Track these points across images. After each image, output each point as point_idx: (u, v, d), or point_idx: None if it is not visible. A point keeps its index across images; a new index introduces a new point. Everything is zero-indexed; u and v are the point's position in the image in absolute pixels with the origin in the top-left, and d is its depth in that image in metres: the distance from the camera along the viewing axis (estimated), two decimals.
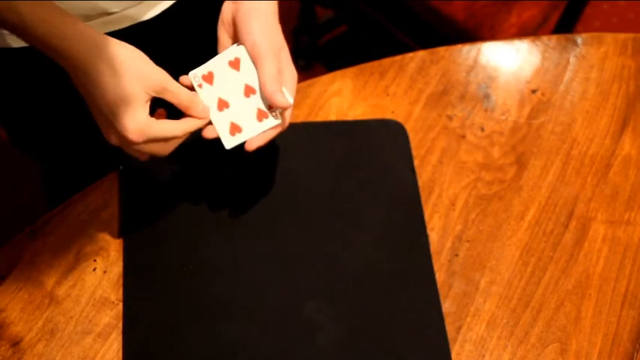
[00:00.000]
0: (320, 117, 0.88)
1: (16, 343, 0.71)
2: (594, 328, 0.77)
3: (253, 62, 0.71)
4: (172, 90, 0.67)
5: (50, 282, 0.74)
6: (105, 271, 0.75)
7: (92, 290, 0.74)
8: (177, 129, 0.68)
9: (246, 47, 0.70)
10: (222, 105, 0.72)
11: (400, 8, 1.51)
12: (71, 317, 0.73)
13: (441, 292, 0.77)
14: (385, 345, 0.73)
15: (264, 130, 0.72)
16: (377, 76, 0.92)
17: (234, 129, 0.72)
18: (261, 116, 0.72)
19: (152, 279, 0.74)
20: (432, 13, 1.41)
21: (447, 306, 0.76)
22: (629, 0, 1.98)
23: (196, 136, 0.81)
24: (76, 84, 0.66)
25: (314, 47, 1.84)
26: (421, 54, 0.95)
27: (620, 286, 0.80)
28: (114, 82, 0.63)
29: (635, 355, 0.76)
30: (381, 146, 0.86)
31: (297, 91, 0.89)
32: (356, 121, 0.88)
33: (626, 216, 0.84)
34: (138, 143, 0.66)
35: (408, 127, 0.88)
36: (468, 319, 0.76)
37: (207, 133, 0.73)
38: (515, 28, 1.37)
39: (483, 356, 0.74)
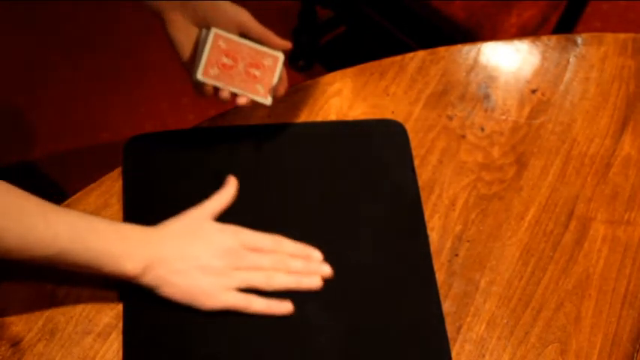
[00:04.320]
0: (320, 117, 0.88)
1: (16, 343, 0.71)
2: (594, 328, 0.77)
3: (236, 27, 0.77)
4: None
5: (50, 282, 0.74)
6: None
7: (92, 290, 0.74)
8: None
9: (222, 23, 0.76)
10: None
11: (400, 8, 1.51)
12: (71, 317, 0.72)
13: (441, 292, 0.77)
14: (385, 345, 0.73)
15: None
16: (377, 76, 0.92)
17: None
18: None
19: None
20: (432, 13, 1.41)
21: (447, 306, 0.76)
22: (629, 0, 1.98)
23: (197, 136, 0.81)
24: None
25: (314, 47, 1.84)
26: (421, 54, 0.95)
27: (620, 286, 0.80)
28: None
29: (635, 355, 0.76)
30: (381, 146, 0.86)
31: (297, 91, 0.89)
32: (356, 121, 0.88)
33: (626, 216, 0.84)
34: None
35: (408, 127, 0.88)
36: (468, 319, 0.76)
37: (240, 101, 0.78)
38: (515, 28, 1.37)
39: (483, 356, 0.74)
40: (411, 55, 0.94)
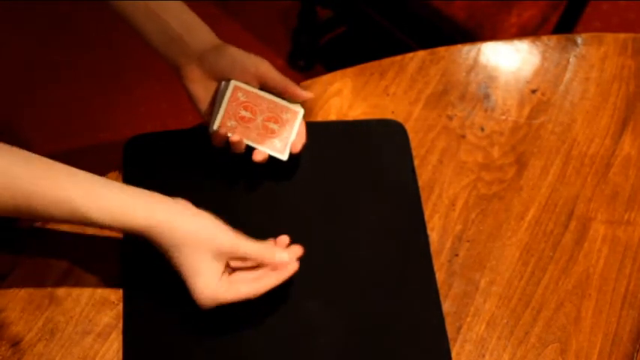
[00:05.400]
0: (320, 117, 0.88)
1: (16, 343, 0.71)
2: (594, 328, 0.77)
3: (256, 79, 0.76)
4: (242, 251, 0.69)
5: (50, 282, 0.74)
6: (105, 271, 0.75)
7: (92, 290, 0.74)
8: (250, 291, 0.69)
9: (241, 75, 0.76)
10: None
11: (400, 8, 1.51)
12: (71, 317, 0.73)
13: (441, 292, 0.77)
14: (385, 345, 0.73)
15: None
16: (377, 76, 0.92)
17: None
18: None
19: (152, 279, 0.74)
20: (433, 14, 1.41)
21: (447, 306, 0.76)
22: (629, 0, 1.98)
23: (197, 136, 0.81)
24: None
25: (314, 47, 1.84)
26: (421, 54, 0.95)
27: (620, 286, 0.80)
28: (185, 258, 0.67)
29: (635, 355, 0.76)
30: (381, 146, 0.86)
31: None
32: (356, 121, 0.88)
33: (626, 216, 0.84)
34: (210, 308, 0.68)
35: (408, 127, 0.88)
36: (468, 319, 0.76)
37: (257, 157, 0.76)
38: (515, 28, 1.37)
39: (483, 356, 0.74)
40: (411, 55, 0.94)
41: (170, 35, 0.74)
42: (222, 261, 0.68)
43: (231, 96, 0.76)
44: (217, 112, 0.76)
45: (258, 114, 0.77)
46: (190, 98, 0.77)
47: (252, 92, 0.77)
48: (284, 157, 0.78)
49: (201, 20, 0.76)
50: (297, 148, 0.79)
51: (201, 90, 0.77)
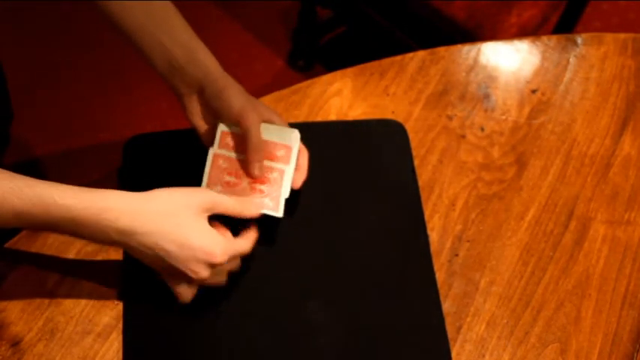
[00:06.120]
0: (320, 117, 0.88)
1: (16, 343, 0.71)
2: (594, 328, 0.77)
3: (240, 124, 0.73)
4: (220, 202, 0.69)
5: (50, 282, 0.74)
6: (105, 271, 0.75)
7: (92, 290, 0.74)
8: (247, 245, 0.71)
9: (227, 114, 0.73)
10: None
11: (400, 8, 1.51)
12: (71, 317, 0.73)
13: (441, 292, 0.77)
14: (385, 345, 0.73)
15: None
16: (377, 76, 0.92)
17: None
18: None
19: (152, 279, 0.74)
20: (433, 14, 1.41)
21: (447, 306, 0.76)
22: (629, 0, 1.98)
23: (196, 136, 0.81)
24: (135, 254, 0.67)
25: (314, 47, 1.84)
26: (421, 54, 0.95)
27: (620, 286, 0.80)
28: (173, 229, 0.66)
29: (635, 355, 0.76)
30: (381, 146, 0.86)
31: (297, 92, 0.90)
32: (356, 121, 0.88)
33: (626, 216, 0.84)
34: (223, 263, 0.67)
35: (408, 127, 0.88)
36: (468, 319, 0.76)
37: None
38: (515, 28, 1.37)
39: (483, 356, 0.74)
40: (411, 55, 0.94)
41: (174, 65, 0.73)
42: (203, 215, 0.68)
43: (212, 164, 0.74)
44: (202, 182, 0.74)
45: (243, 178, 0.75)
46: (192, 127, 0.77)
47: (234, 159, 0.75)
48: (279, 214, 0.74)
49: (206, 47, 0.75)
50: (298, 184, 0.76)
51: (201, 121, 0.76)
